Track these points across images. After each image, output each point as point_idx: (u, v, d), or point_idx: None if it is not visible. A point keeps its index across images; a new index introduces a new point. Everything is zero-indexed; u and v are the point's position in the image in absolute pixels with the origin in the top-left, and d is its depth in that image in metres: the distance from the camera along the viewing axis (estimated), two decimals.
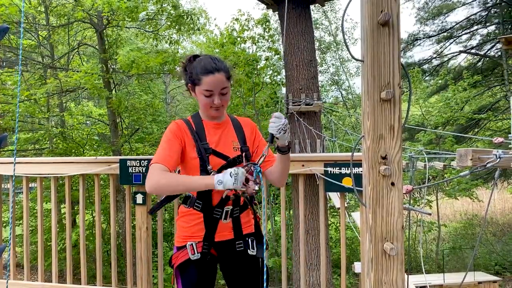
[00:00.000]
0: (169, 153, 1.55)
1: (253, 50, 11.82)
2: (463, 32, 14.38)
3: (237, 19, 10.83)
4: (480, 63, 14.18)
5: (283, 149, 1.55)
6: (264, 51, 12.03)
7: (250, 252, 1.69)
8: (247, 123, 1.79)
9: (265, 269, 1.59)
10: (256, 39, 11.35)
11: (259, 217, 1.81)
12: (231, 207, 1.65)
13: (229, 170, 1.40)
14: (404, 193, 1.16)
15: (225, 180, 1.38)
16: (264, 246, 1.72)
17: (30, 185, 3.15)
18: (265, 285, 1.63)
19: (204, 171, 1.59)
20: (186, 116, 1.75)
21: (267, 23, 11.24)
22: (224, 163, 1.61)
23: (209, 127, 1.68)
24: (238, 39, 10.88)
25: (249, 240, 1.71)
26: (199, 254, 1.63)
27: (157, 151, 1.57)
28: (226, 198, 1.62)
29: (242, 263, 1.72)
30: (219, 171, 1.58)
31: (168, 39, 10.34)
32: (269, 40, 11.77)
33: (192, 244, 1.64)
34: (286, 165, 1.64)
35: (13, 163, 1.91)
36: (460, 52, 14.51)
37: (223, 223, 1.66)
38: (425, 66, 15.19)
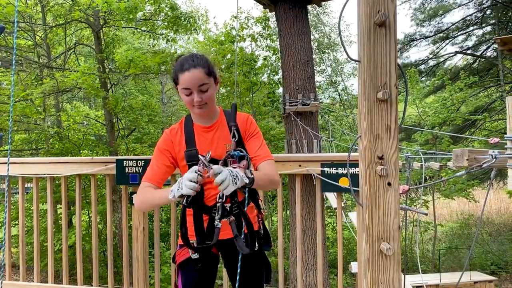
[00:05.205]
0: (155, 168, 1.61)
1: (251, 49, 11.81)
2: (459, 33, 14.45)
3: (236, 17, 10.77)
4: (476, 64, 14.24)
5: (248, 185, 1.46)
6: (262, 49, 12.00)
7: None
8: (241, 116, 1.71)
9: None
10: (256, 37, 11.31)
11: (263, 214, 1.80)
12: (229, 204, 1.59)
13: (181, 179, 1.35)
14: (400, 193, 1.16)
15: (174, 189, 1.34)
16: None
17: (26, 185, 3.13)
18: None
19: None
20: (182, 117, 1.74)
21: (266, 22, 11.19)
22: None
23: (199, 132, 1.65)
24: (237, 37, 10.83)
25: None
26: (197, 254, 1.64)
27: (148, 167, 1.65)
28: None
29: (244, 258, 1.69)
30: None
31: (165, 37, 10.27)
32: (268, 39, 11.74)
33: (193, 243, 1.64)
34: (259, 185, 1.57)
35: (7, 163, 1.90)
36: (456, 52, 14.57)
37: (223, 221, 1.62)
38: (422, 67, 15.24)
